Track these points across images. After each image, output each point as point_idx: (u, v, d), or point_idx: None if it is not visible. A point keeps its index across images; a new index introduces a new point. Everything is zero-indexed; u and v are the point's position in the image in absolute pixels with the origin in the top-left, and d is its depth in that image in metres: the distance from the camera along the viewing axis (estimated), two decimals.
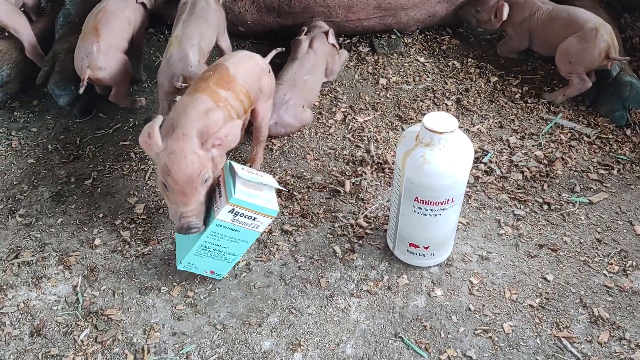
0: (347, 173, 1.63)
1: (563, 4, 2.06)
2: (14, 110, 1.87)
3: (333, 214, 1.51)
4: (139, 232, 1.45)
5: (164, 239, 1.44)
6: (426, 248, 1.34)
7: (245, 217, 1.23)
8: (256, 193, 1.24)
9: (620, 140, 1.73)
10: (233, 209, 1.21)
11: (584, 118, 1.81)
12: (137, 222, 1.48)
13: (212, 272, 1.33)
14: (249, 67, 1.47)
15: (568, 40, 1.80)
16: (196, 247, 1.26)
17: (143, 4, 1.83)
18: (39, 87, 1.90)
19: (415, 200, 1.25)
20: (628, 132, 1.76)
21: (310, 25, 1.97)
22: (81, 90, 1.61)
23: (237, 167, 1.26)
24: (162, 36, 2.20)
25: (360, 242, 1.44)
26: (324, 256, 1.40)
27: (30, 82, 1.90)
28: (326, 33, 1.89)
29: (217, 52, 1.89)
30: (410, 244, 1.34)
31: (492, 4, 2.01)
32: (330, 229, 1.47)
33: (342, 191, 1.57)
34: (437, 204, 1.25)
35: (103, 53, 1.64)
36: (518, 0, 1.98)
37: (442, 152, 1.19)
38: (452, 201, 1.25)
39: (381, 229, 1.47)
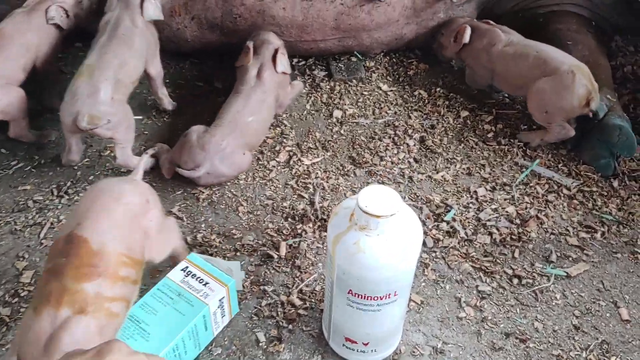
0: (284, 232, 1.38)
1: (546, 30, 1.82)
2: None
3: (261, 287, 1.26)
4: (22, 310, 1.19)
5: None
6: (366, 344, 1.09)
7: (197, 279, 1.13)
8: (214, 263, 1.18)
9: (605, 194, 1.49)
10: (186, 267, 1.14)
11: (565, 165, 1.57)
12: (22, 295, 1.22)
13: None
14: (120, 218, 0.96)
15: (539, 84, 1.55)
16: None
17: (56, 24, 1.55)
18: None
19: (349, 293, 1.00)
20: (615, 183, 1.52)
21: (257, 39, 1.66)
22: None
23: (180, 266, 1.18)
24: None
25: (290, 326, 1.19)
26: (243, 346, 1.15)
27: None
28: (274, 57, 1.60)
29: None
30: (347, 339, 1.09)
31: (454, 27, 1.76)
32: (255, 307, 1.22)
33: (275, 256, 1.32)
34: (375, 298, 1.00)
35: None
36: (479, 27, 1.73)
37: (381, 238, 0.94)
38: (394, 295, 1.00)
39: (317, 308, 1.22)
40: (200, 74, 1.85)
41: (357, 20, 1.77)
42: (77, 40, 1.89)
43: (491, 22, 1.76)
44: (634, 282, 1.29)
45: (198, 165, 1.40)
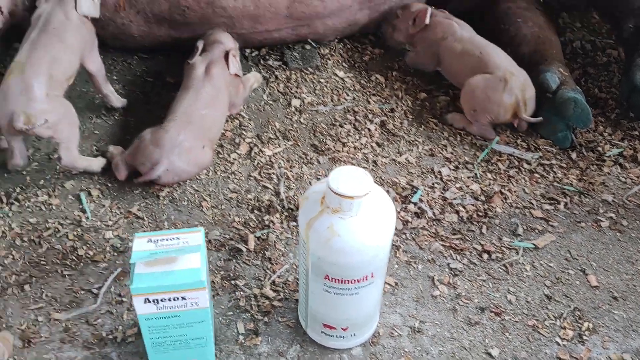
0: (251, 224, 1.34)
1: (496, 9, 1.85)
2: None
3: (233, 282, 1.22)
4: None
5: None
6: (344, 329, 1.07)
7: (171, 300, 0.96)
8: (166, 268, 0.95)
9: (565, 165, 1.52)
10: (147, 299, 0.94)
11: (523, 140, 1.60)
12: None
13: None
14: None
15: (473, 80, 1.57)
16: (148, 345, 1.02)
17: None
18: None
19: (325, 279, 0.98)
20: (574, 155, 1.55)
21: (209, 38, 1.62)
22: None
23: (139, 240, 0.97)
24: None
25: (266, 319, 1.16)
26: (219, 342, 1.11)
27: None
28: (226, 57, 1.55)
29: (84, 75, 1.54)
30: (325, 325, 1.07)
31: (414, 10, 1.76)
32: (229, 302, 1.19)
33: (244, 249, 1.28)
34: (353, 282, 0.98)
35: None
36: (438, 16, 1.74)
37: (355, 220, 0.93)
38: (372, 277, 0.99)
39: (292, 298, 1.20)
40: (150, 69, 1.79)
41: (310, 8, 1.74)
42: (14, 39, 1.79)
43: (447, 12, 1.77)
44: (599, 249, 1.32)
45: (155, 164, 1.35)
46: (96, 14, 1.51)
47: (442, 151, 1.55)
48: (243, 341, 1.12)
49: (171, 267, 0.95)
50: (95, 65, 1.51)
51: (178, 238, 0.98)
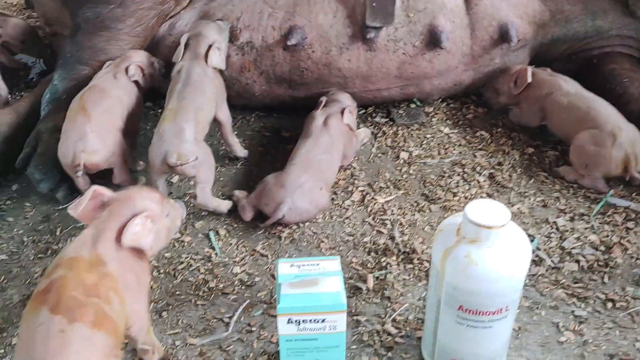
0: (369, 265, 1.39)
1: (601, 70, 1.88)
2: None
3: (355, 318, 1.26)
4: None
5: None
6: None
7: (312, 322, 1.02)
8: (309, 290, 1.02)
9: None
10: (290, 319, 1.01)
11: (638, 194, 1.58)
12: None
13: None
14: None
15: (582, 136, 1.59)
16: None
17: (137, 82, 1.65)
18: (21, 170, 1.70)
19: (459, 309, 1.00)
20: None
21: (329, 98, 1.76)
22: (79, 174, 1.46)
23: (283, 265, 1.06)
24: (159, 110, 2.01)
25: (389, 354, 1.18)
26: None
27: (13, 163, 1.71)
28: (342, 112, 1.67)
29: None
30: None
31: (512, 73, 1.82)
32: (353, 336, 1.22)
33: (364, 288, 1.32)
34: (487, 313, 1.00)
35: (97, 133, 1.46)
36: (540, 75, 1.78)
37: (492, 250, 0.96)
38: (506, 310, 1.00)
39: (413, 336, 1.21)
40: (267, 125, 1.93)
41: (419, 69, 1.84)
42: (146, 99, 1.99)
43: (549, 70, 1.82)
44: None
45: (279, 204, 1.44)
46: (223, 66, 1.68)
47: (555, 203, 1.56)
48: None
49: (314, 290, 1.00)
50: (225, 114, 1.66)
51: (318, 264, 1.05)
